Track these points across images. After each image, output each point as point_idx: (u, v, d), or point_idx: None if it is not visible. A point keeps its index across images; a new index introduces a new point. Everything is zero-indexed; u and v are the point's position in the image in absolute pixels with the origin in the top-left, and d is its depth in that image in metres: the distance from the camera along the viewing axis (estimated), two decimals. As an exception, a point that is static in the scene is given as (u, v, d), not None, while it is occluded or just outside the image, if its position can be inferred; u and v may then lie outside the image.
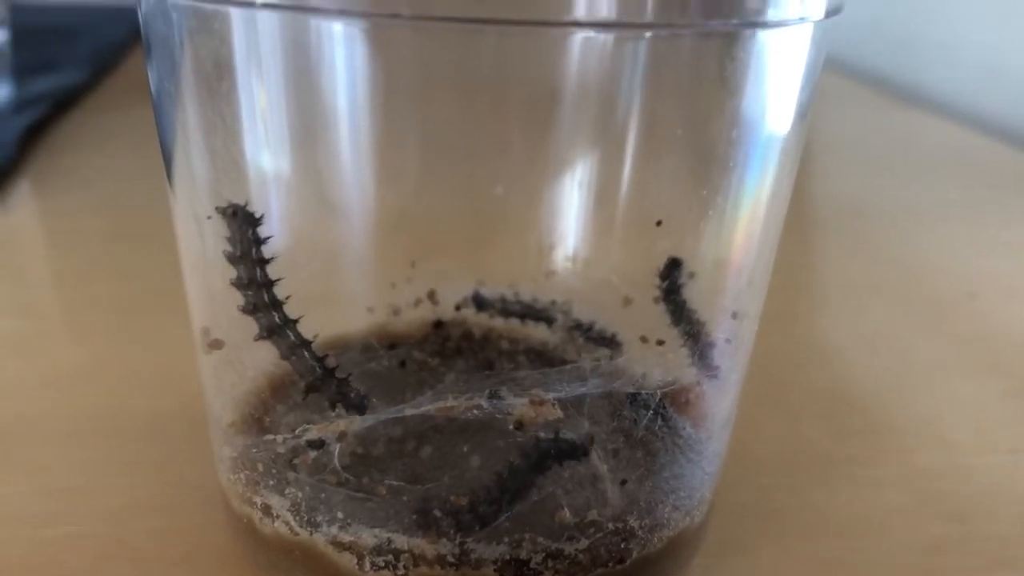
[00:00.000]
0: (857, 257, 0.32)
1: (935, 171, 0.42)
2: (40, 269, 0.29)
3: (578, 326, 0.19)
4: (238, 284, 0.13)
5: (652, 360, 0.16)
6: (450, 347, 0.18)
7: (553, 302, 0.19)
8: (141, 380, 0.22)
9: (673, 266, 0.17)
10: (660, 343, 0.16)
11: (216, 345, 0.14)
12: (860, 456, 0.20)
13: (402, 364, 0.17)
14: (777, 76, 0.13)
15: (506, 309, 0.19)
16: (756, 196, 0.14)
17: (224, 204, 0.13)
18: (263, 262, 0.13)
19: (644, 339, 0.17)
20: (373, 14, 0.11)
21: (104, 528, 0.17)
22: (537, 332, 0.19)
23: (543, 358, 0.18)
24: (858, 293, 0.29)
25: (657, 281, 0.17)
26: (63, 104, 0.44)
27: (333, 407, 0.14)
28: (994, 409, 0.23)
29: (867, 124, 0.50)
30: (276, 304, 0.13)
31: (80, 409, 0.21)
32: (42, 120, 0.41)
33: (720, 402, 0.16)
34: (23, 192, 0.35)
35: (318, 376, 0.13)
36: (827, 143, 0.46)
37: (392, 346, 0.18)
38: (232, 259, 0.13)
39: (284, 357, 0.13)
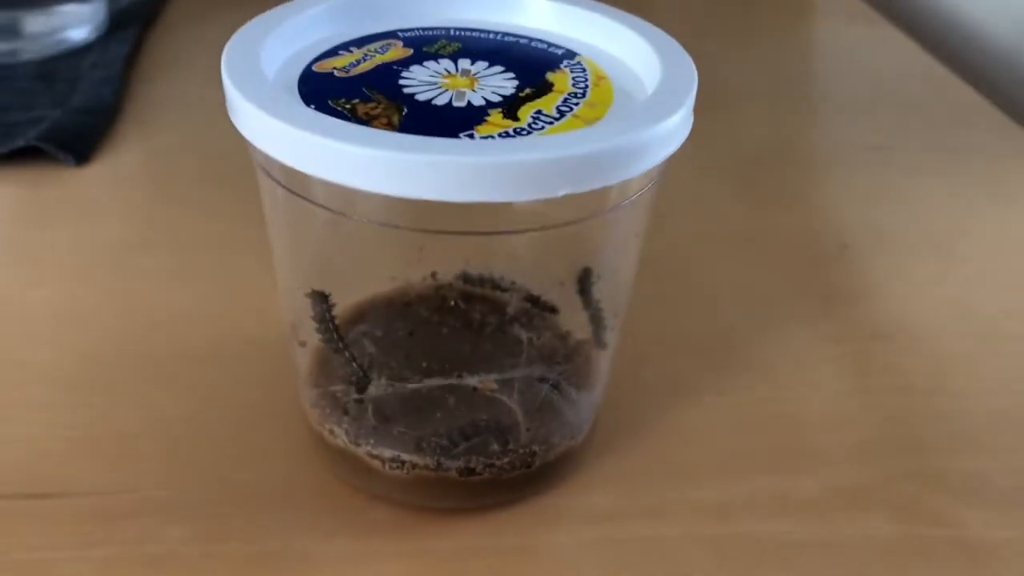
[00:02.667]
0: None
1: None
2: (152, 208, 0.39)
3: (530, 296, 0.29)
4: (316, 319, 0.24)
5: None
6: (447, 306, 0.29)
7: (513, 282, 0.29)
8: (244, 315, 0.32)
9: (585, 273, 0.27)
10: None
11: (302, 344, 0.25)
12: (716, 387, 0.31)
13: (411, 334, 0.27)
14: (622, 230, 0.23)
15: (482, 282, 0.29)
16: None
17: (309, 290, 0.23)
18: (331, 315, 0.23)
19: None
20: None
21: (216, 432, 0.28)
22: (504, 298, 0.29)
23: (503, 318, 0.28)
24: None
25: (576, 282, 0.27)
26: (150, 20, 0.51)
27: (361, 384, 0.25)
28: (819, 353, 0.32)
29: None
30: (337, 332, 0.24)
31: (189, 341, 0.31)
32: (138, 43, 0.49)
33: (602, 366, 0.27)
34: (127, 125, 0.44)
35: (355, 372, 0.24)
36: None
37: (407, 304, 0.29)
38: (313, 312, 0.23)
39: (335, 352, 0.24)
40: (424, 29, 0.26)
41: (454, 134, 0.21)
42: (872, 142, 0.46)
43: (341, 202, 0.21)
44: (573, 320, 0.28)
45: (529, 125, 0.21)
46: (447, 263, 0.28)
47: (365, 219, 0.21)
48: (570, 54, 0.25)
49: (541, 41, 0.26)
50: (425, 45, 0.25)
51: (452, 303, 0.28)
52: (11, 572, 0.24)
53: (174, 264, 0.35)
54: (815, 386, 0.31)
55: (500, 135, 0.21)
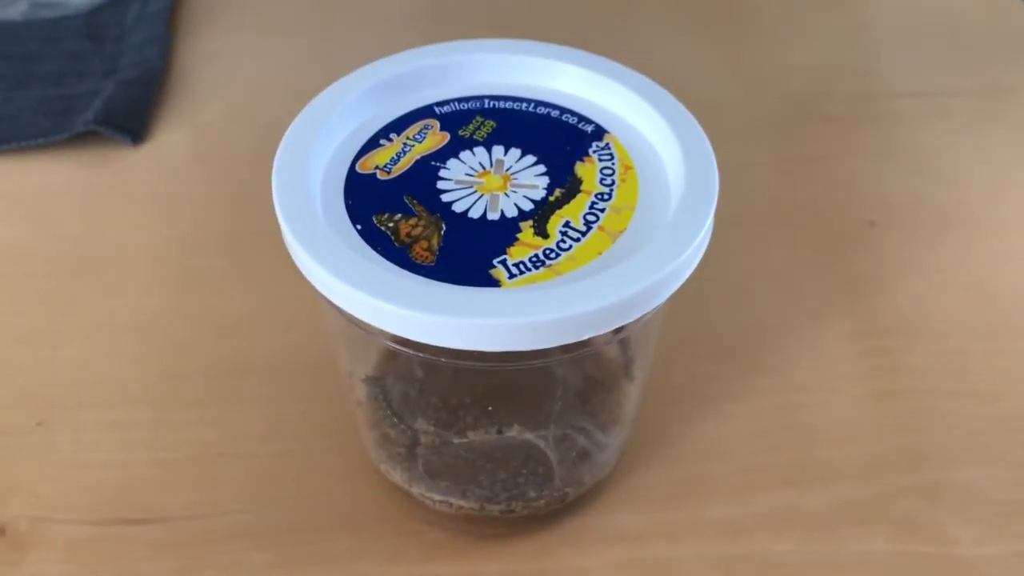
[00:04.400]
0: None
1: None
2: (208, 195, 0.40)
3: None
4: (370, 398, 0.27)
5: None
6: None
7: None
8: (309, 320, 0.35)
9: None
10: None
11: (359, 404, 0.28)
12: (736, 393, 0.33)
13: (456, 371, 0.30)
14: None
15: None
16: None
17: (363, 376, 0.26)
18: (388, 398, 0.26)
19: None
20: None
21: (290, 450, 0.31)
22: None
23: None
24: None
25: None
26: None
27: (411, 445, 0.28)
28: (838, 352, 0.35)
29: None
30: (392, 410, 0.27)
31: (258, 351, 0.34)
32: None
33: (630, 402, 0.29)
34: (176, 93, 0.45)
35: (406, 436, 0.27)
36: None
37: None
38: (370, 392, 0.26)
39: (389, 426, 0.27)
40: (459, 101, 0.27)
41: (489, 261, 0.23)
42: (909, 87, 0.46)
43: (387, 334, 0.23)
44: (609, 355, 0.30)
45: (558, 245, 0.23)
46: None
47: (411, 352, 0.24)
48: (599, 132, 0.26)
49: (572, 113, 0.27)
50: (461, 128, 0.26)
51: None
52: (125, 596, 0.28)
53: (236, 263, 0.37)
54: (832, 391, 0.33)
55: (531, 260, 0.23)
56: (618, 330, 0.28)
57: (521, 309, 0.21)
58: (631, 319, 0.22)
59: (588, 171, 0.25)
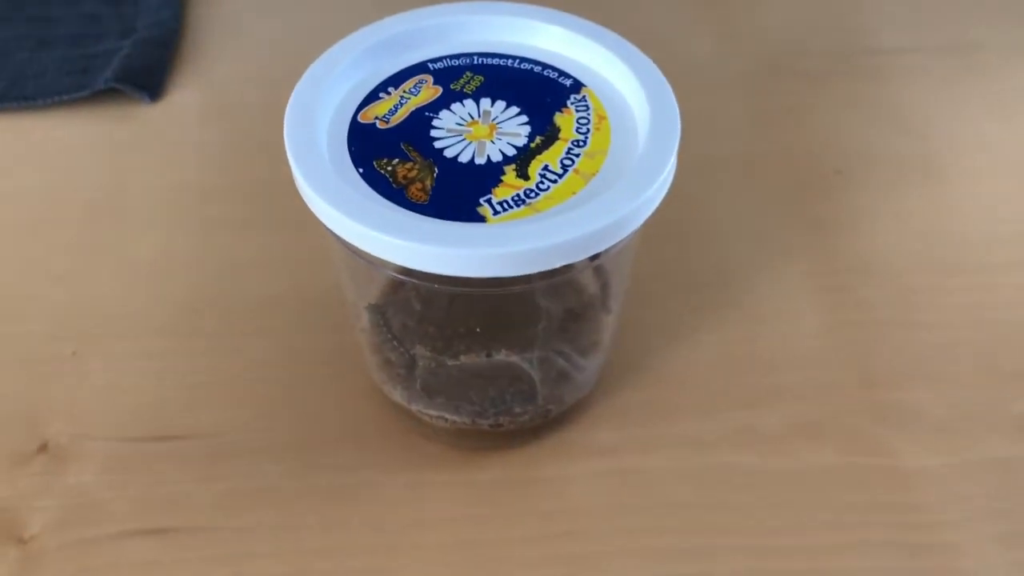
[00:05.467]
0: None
1: None
2: (221, 148, 0.44)
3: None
4: (372, 324, 0.30)
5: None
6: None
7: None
8: (317, 261, 0.38)
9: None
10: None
11: (363, 331, 0.31)
12: (706, 326, 0.36)
13: (451, 302, 0.33)
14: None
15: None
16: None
17: (366, 304, 0.29)
18: (390, 325, 0.30)
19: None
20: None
21: (300, 375, 0.35)
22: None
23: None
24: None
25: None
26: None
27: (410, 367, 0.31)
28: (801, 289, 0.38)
29: None
30: (392, 335, 0.30)
31: (269, 288, 0.37)
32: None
33: (607, 332, 0.33)
34: (190, 52, 0.48)
35: (405, 358, 0.31)
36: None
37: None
38: (371, 319, 0.30)
39: (389, 351, 0.31)
40: (451, 58, 0.30)
41: (476, 199, 0.26)
42: (882, 43, 0.49)
43: (387, 263, 0.27)
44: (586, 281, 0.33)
45: (537, 185, 0.26)
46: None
47: (407, 278, 0.27)
48: (576, 86, 0.29)
49: (553, 69, 0.30)
50: (452, 82, 0.29)
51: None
52: (157, 502, 0.32)
53: (251, 209, 0.41)
54: (791, 323, 0.37)
55: (513, 199, 0.26)
56: (592, 259, 0.32)
57: (504, 240, 0.24)
58: (601, 248, 0.25)
59: (566, 121, 0.28)
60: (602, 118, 0.28)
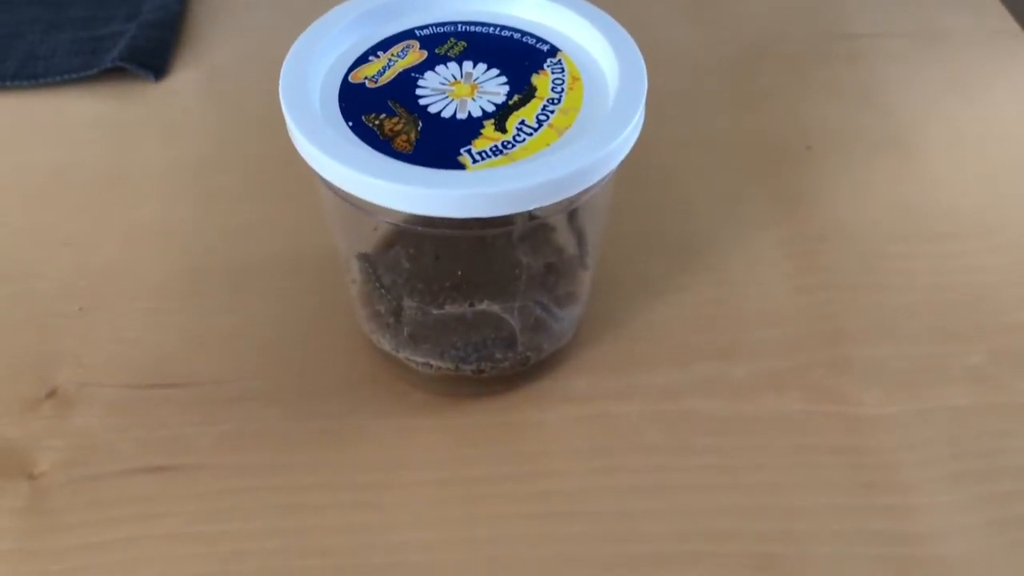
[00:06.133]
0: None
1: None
2: (221, 124, 0.46)
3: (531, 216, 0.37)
4: (361, 273, 0.32)
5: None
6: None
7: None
8: (312, 227, 0.40)
9: (573, 212, 0.35)
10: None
11: (353, 281, 0.33)
12: (680, 286, 0.39)
13: (437, 257, 0.35)
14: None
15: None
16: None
17: (355, 252, 0.31)
18: (378, 274, 0.32)
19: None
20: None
21: (295, 331, 0.37)
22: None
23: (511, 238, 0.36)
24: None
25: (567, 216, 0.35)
26: None
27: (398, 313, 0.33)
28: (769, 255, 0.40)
29: None
30: (381, 284, 0.32)
31: (266, 253, 0.40)
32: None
33: (583, 286, 0.35)
34: (193, 34, 0.50)
35: (392, 306, 0.33)
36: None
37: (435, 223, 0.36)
38: (361, 267, 0.32)
39: (378, 297, 0.33)
40: (436, 25, 0.32)
41: (457, 150, 0.28)
42: (857, 29, 0.51)
43: (374, 208, 0.29)
44: (565, 240, 0.35)
45: (514, 138, 0.29)
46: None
47: (393, 222, 0.29)
48: (552, 51, 0.32)
49: (531, 35, 0.32)
50: (437, 47, 0.32)
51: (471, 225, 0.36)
52: (159, 443, 0.34)
53: (246, 181, 0.43)
54: (761, 285, 0.39)
55: (491, 149, 0.28)
56: (569, 216, 0.34)
57: (482, 182, 0.26)
58: (572, 193, 0.27)
59: (542, 81, 0.30)
60: (576, 79, 0.31)
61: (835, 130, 0.45)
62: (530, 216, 0.36)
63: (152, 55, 0.48)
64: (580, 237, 0.35)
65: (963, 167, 0.44)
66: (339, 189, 0.28)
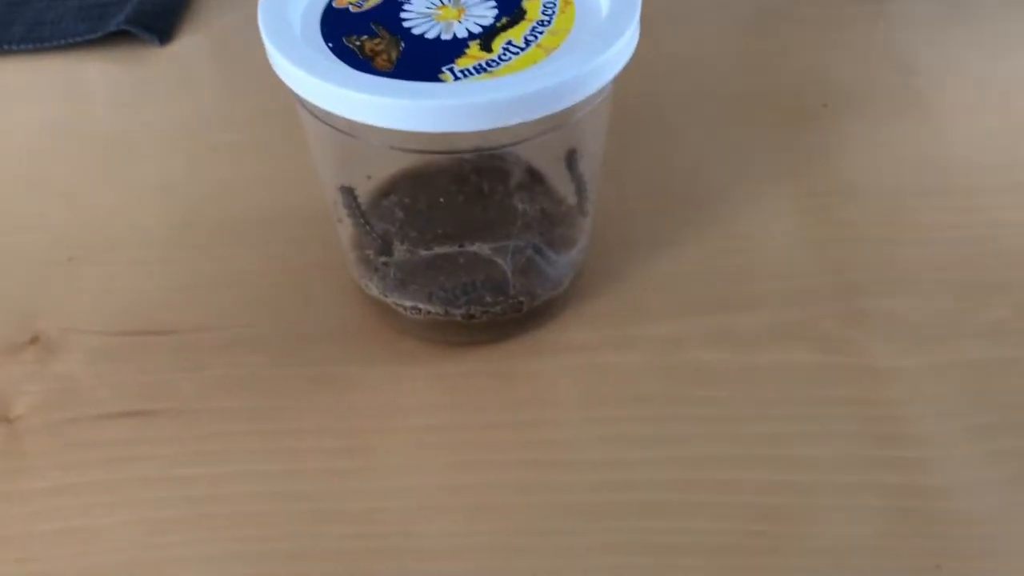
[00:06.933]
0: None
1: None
2: (225, 85, 0.45)
3: (529, 169, 0.35)
4: (345, 207, 0.31)
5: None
6: (464, 177, 0.35)
7: (519, 156, 0.35)
8: (306, 182, 0.39)
9: (571, 152, 0.33)
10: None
11: (340, 220, 0.32)
12: (687, 239, 0.37)
13: (430, 205, 0.34)
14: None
15: (492, 156, 0.35)
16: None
17: (339, 184, 0.30)
18: (359, 205, 0.31)
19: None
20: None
21: (286, 282, 0.36)
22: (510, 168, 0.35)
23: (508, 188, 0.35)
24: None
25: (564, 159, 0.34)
26: None
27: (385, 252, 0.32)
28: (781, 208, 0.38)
29: None
30: (365, 218, 0.31)
31: (262, 207, 0.39)
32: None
33: (579, 231, 0.33)
34: (198, 2, 0.50)
35: (379, 244, 0.31)
36: None
37: (432, 175, 0.35)
38: (343, 202, 0.31)
39: (363, 233, 0.31)
40: (427, -45, 0.31)
41: (439, 67, 0.27)
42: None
43: (354, 128, 0.28)
44: (564, 190, 0.34)
45: (499, 57, 0.27)
46: (464, 139, 0.34)
47: (371, 141, 0.28)
48: (545, -25, 0.30)
49: (524, -38, 0.31)
50: (425, -28, 0.31)
51: (468, 175, 0.35)
52: (140, 388, 0.33)
53: (246, 137, 0.42)
54: (772, 238, 0.37)
55: (475, 67, 0.27)
56: (568, 159, 0.32)
57: (461, 93, 0.25)
58: (555, 108, 0.26)
59: (533, 5, 0.29)
60: (568, 3, 0.29)
61: (853, 88, 0.44)
62: (528, 169, 0.35)
63: (158, 19, 0.47)
64: (579, 183, 0.34)
65: (986, 124, 0.42)
66: (316, 108, 0.27)
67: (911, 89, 0.44)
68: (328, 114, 0.27)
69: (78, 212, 0.39)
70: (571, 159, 0.33)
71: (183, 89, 0.45)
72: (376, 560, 0.28)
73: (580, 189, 0.34)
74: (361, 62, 0.27)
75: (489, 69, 0.27)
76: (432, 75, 0.27)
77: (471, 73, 0.27)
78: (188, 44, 0.47)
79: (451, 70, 0.27)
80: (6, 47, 0.46)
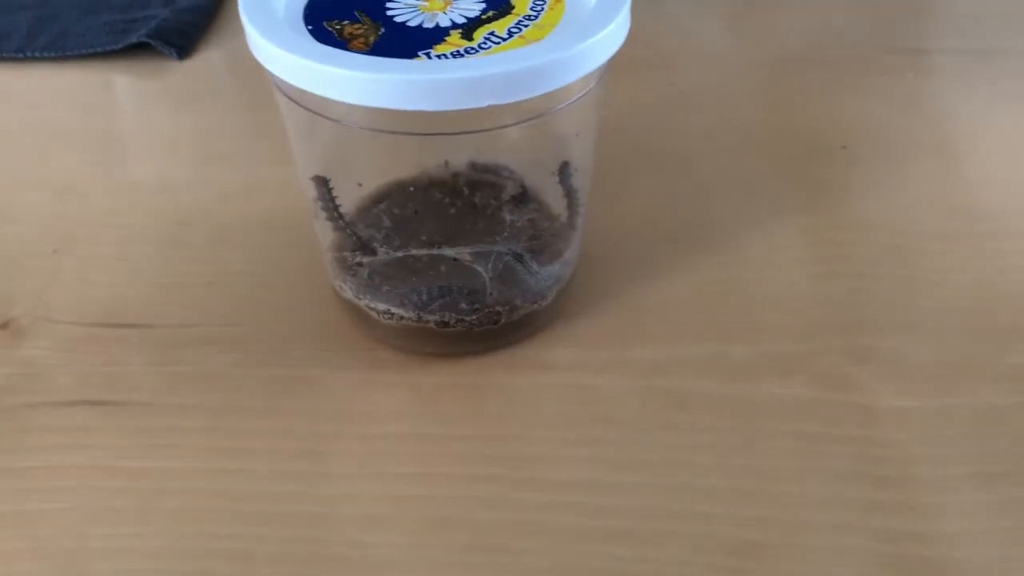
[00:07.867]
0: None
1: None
2: (234, 99, 0.45)
3: (522, 184, 0.34)
4: (319, 199, 0.30)
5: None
6: (455, 190, 0.34)
7: (512, 171, 0.34)
8: (295, 190, 0.39)
9: (564, 165, 0.32)
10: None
11: (317, 217, 0.31)
12: (686, 267, 0.35)
13: (416, 212, 0.33)
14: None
15: (486, 170, 0.34)
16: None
17: (312, 175, 0.29)
18: (332, 197, 0.30)
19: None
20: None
21: (267, 284, 0.35)
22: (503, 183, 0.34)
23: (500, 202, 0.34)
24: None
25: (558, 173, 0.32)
26: None
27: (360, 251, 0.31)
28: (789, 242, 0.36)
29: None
30: (337, 211, 0.30)
31: (252, 212, 0.38)
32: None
33: (565, 245, 0.32)
34: (224, 23, 0.50)
35: (355, 241, 0.30)
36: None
37: (424, 187, 0.34)
38: (318, 191, 0.30)
39: (337, 231, 0.30)
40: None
41: (414, 52, 0.26)
42: (911, 44, 0.48)
43: (325, 108, 0.27)
44: (556, 206, 0.33)
45: (479, 45, 0.26)
46: (459, 153, 0.34)
47: (346, 123, 0.27)
48: (539, -24, 0.30)
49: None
50: (418, -32, 0.30)
51: (461, 188, 0.34)
52: (103, 379, 0.31)
53: (246, 148, 0.42)
54: (776, 269, 0.35)
55: (452, 54, 0.26)
56: (560, 171, 0.31)
57: (429, 69, 0.24)
58: (532, 93, 0.25)
59: (522, 1, 0.28)
60: (559, 0, 0.29)
61: (874, 132, 0.42)
62: (521, 186, 0.34)
63: (179, 35, 0.48)
64: (570, 195, 0.32)
65: (1010, 172, 0.40)
66: (288, 86, 0.26)
67: (935, 135, 0.42)
68: (301, 93, 0.26)
69: (71, 208, 0.38)
70: (564, 171, 0.32)
71: (193, 101, 0.45)
72: (321, 567, 0.26)
73: (572, 203, 0.32)
74: (337, 43, 0.27)
75: (466, 56, 0.26)
76: (408, 58, 0.26)
77: (446, 58, 0.26)
78: (205, 60, 0.48)
79: (428, 55, 0.26)
80: (29, 54, 0.47)
